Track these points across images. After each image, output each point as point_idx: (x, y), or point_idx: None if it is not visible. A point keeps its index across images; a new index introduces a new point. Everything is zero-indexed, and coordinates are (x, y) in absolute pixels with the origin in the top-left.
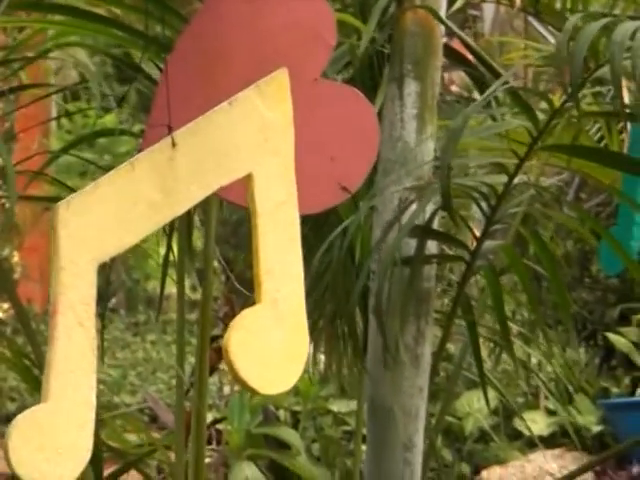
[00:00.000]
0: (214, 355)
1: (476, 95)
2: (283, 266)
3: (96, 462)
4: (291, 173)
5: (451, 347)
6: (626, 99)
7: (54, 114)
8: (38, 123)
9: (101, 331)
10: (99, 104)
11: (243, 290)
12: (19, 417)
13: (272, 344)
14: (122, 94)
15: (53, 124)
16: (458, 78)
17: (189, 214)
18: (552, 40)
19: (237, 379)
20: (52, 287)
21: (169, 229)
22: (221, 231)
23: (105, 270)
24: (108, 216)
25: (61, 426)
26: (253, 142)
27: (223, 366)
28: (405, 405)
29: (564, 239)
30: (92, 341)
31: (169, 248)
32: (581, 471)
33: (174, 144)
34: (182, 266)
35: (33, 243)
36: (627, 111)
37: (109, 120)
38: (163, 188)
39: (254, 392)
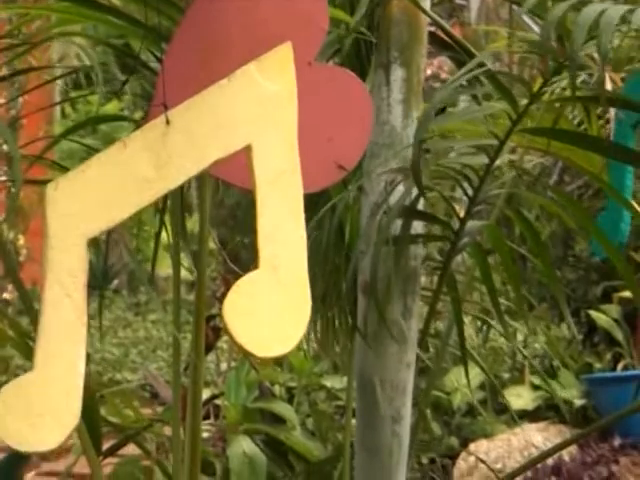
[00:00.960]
0: (211, 333)
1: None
2: (283, 233)
3: (96, 436)
4: (293, 143)
5: (441, 325)
6: (608, 86)
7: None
8: (42, 108)
9: (100, 310)
10: (101, 90)
11: (239, 271)
12: (6, 386)
13: (270, 308)
14: (122, 82)
15: (58, 114)
16: (447, 65)
17: (182, 195)
18: (535, 28)
19: (234, 343)
20: (42, 264)
21: (161, 210)
22: (218, 214)
23: (108, 253)
24: (98, 193)
25: (46, 393)
26: (251, 114)
27: (220, 344)
28: (393, 379)
29: (549, 219)
30: (80, 311)
31: (160, 229)
32: (566, 444)
33: (168, 122)
34: (177, 247)
35: (38, 226)
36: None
37: (111, 108)
38: (156, 164)
39: (252, 355)
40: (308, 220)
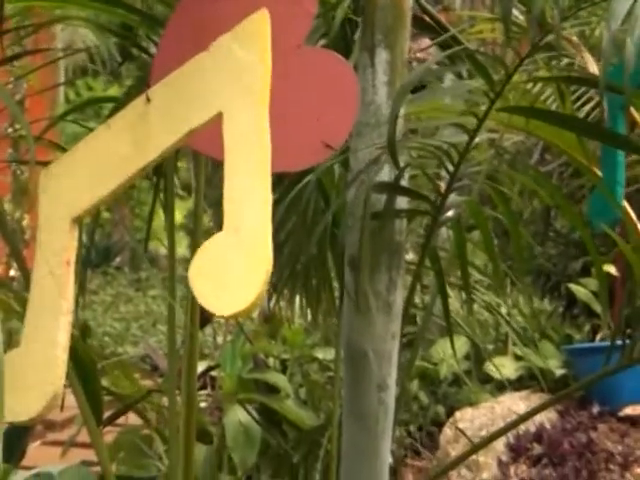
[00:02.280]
0: None
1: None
2: (248, 195)
3: (96, 406)
4: (263, 110)
5: (426, 298)
6: (594, 69)
7: (62, 90)
8: (47, 88)
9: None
10: (104, 73)
11: None
12: None
13: (230, 269)
14: (119, 64)
15: (62, 100)
16: (433, 48)
17: (174, 175)
18: (516, 12)
19: (199, 302)
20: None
21: (155, 190)
22: (216, 194)
23: (110, 233)
24: (83, 174)
25: (29, 365)
26: (225, 83)
27: (217, 318)
28: (379, 349)
29: (530, 197)
30: (63, 287)
31: (153, 208)
32: (544, 407)
33: (149, 99)
34: (171, 225)
35: None
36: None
37: (113, 93)
38: (135, 142)
39: (213, 313)
40: (294, 197)
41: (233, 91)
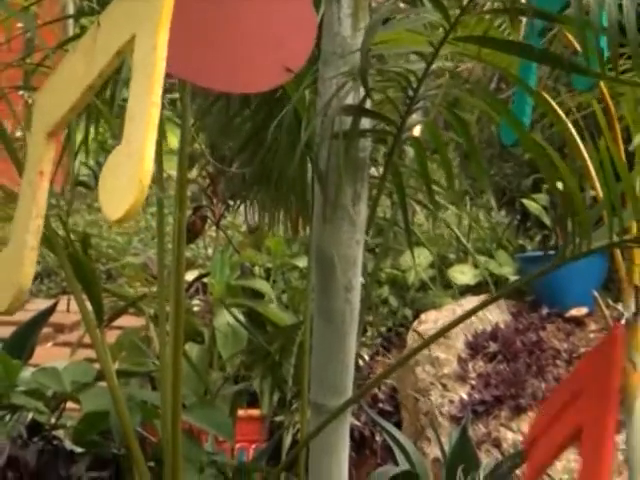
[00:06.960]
0: (199, 222)
1: None
2: (139, 110)
3: (98, 308)
4: (162, 32)
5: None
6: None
7: (72, 31)
8: (52, 21)
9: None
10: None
11: (226, 169)
12: None
13: (118, 178)
14: None
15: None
16: None
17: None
18: None
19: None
20: None
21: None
22: (209, 121)
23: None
24: (55, 92)
25: (5, 265)
26: (139, 6)
27: (210, 232)
28: (345, 254)
29: (487, 122)
30: (34, 192)
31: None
32: (487, 303)
33: (99, 24)
34: (160, 151)
35: None
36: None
37: None
38: (86, 62)
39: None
40: (270, 119)
41: (143, 14)
